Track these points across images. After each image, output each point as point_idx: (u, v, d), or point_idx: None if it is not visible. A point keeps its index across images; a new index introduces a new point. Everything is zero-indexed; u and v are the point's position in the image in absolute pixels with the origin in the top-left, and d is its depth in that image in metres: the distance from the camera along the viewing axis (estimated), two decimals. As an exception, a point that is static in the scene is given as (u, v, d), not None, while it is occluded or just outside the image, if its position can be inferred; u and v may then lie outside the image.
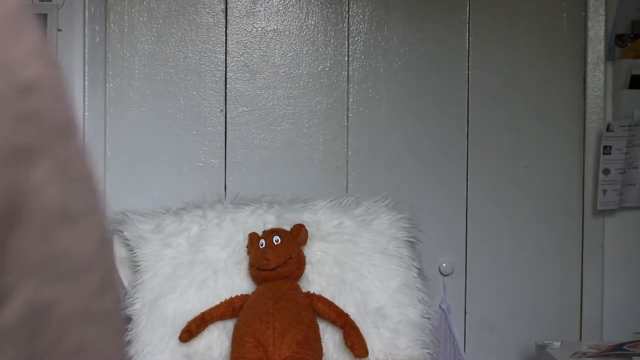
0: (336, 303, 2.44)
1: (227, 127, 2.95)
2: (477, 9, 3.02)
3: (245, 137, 2.96)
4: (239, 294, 2.44)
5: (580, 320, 3.07)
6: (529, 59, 3.05)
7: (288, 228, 2.49)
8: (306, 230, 2.48)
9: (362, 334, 2.40)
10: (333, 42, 2.99)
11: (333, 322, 2.40)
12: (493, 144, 3.04)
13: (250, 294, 2.43)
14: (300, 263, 2.44)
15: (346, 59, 2.99)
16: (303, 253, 2.46)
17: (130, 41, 2.91)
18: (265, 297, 2.37)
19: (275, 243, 2.42)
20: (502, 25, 3.04)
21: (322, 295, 2.45)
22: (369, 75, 3.00)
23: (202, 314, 2.39)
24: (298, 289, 2.43)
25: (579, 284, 3.08)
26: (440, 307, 2.99)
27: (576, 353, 2.71)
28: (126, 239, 2.49)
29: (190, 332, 2.36)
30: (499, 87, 3.04)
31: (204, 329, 2.39)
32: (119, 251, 2.52)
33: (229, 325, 2.42)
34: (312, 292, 2.44)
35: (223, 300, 2.42)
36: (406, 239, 2.62)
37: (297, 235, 2.46)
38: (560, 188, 3.08)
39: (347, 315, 2.40)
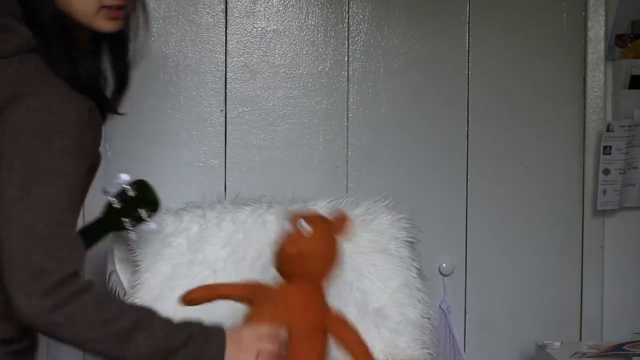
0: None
1: (227, 127, 2.95)
2: (477, 9, 3.02)
3: (245, 137, 2.96)
4: (257, 282, 2.12)
5: (580, 320, 3.07)
6: (529, 59, 3.05)
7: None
8: (351, 222, 2.08)
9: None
10: (333, 42, 2.99)
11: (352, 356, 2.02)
12: (493, 144, 3.04)
13: (269, 285, 2.09)
14: (327, 260, 2.04)
15: (346, 59, 2.99)
16: (337, 248, 2.05)
17: (130, 41, 2.91)
18: (280, 298, 2.02)
19: (301, 229, 2.00)
20: (502, 25, 3.04)
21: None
22: (369, 75, 3.00)
23: (211, 286, 2.19)
24: (321, 298, 2.06)
25: (579, 284, 3.08)
26: (440, 307, 2.99)
27: (576, 353, 2.71)
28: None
29: (194, 299, 2.11)
30: (499, 87, 3.04)
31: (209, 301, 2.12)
32: (119, 251, 2.52)
33: (228, 325, 2.42)
34: (338, 312, 2.10)
35: (238, 283, 2.17)
36: (406, 239, 2.62)
37: (337, 225, 2.05)
38: (560, 188, 3.08)
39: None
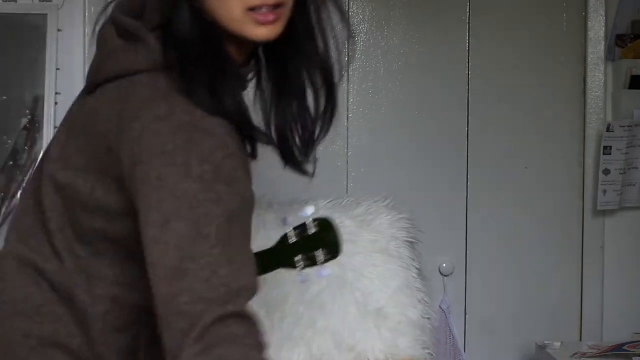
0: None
1: (227, 127, 2.95)
2: (477, 9, 3.02)
3: (245, 137, 2.96)
4: None
5: (580, 320, 3.07)
6: (529, 59, 3.05)
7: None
8: None
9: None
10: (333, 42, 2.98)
11: None
12: (493, 144, 3.04)
13: None
14: None
15: (346, 59, 2.99)
16: None
17: (130, 41, 2.91)
18: None
19: None
20: (502, 25, 3.04)
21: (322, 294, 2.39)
22: (369, 75, 3.00)
23: None
24: None
25: (579, 284, 3.08)
26: (440, 307, 2.99)
27: (576, 353, 2.71)
28: (126, 239, 2.48)
29: None
30: (499, 87, 3.04)
31: None
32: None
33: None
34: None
35: None
36: (406, 239, 2.61)
37: None
38: (560, 188, 3.08)
39: None
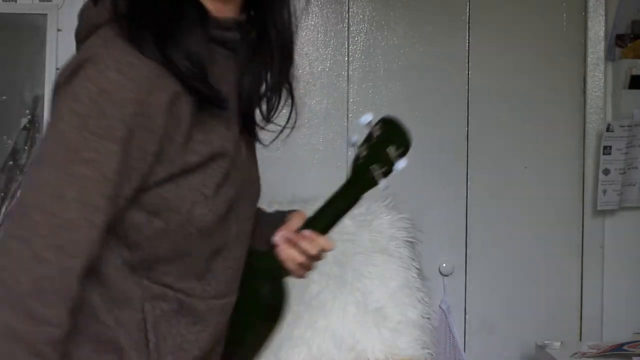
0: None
1: (227, 127, 2.95)
2: (477, 9, 3.02)
3: (245, 137, 2.96)
4: None
5: (580, 320, 3.07)
6: (529, 59, 3.05)
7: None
8: None
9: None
10: (333, 42, 2.98)
11: None
12: (493, 144, 3.04)
13: None
14: None
15: (346, 59, 2.99)
16: None
17: (130, 41, 2.91)
18: None
19: None
20: (502, 25, 3.04)
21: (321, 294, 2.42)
22: (369, 75, 3.00)
23: None
24: None
25: (579, 284, 3.08)
26: (440, 307, 2.99)
27: (576, 353, 2.71)
28: (126, 239, 2.48)
29: None
30: (499, 87, 3.04)
31: None
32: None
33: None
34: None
35: None
36: (406, 239, 2.62)
37: None
38: (560, 188, 3.08)
39: None
